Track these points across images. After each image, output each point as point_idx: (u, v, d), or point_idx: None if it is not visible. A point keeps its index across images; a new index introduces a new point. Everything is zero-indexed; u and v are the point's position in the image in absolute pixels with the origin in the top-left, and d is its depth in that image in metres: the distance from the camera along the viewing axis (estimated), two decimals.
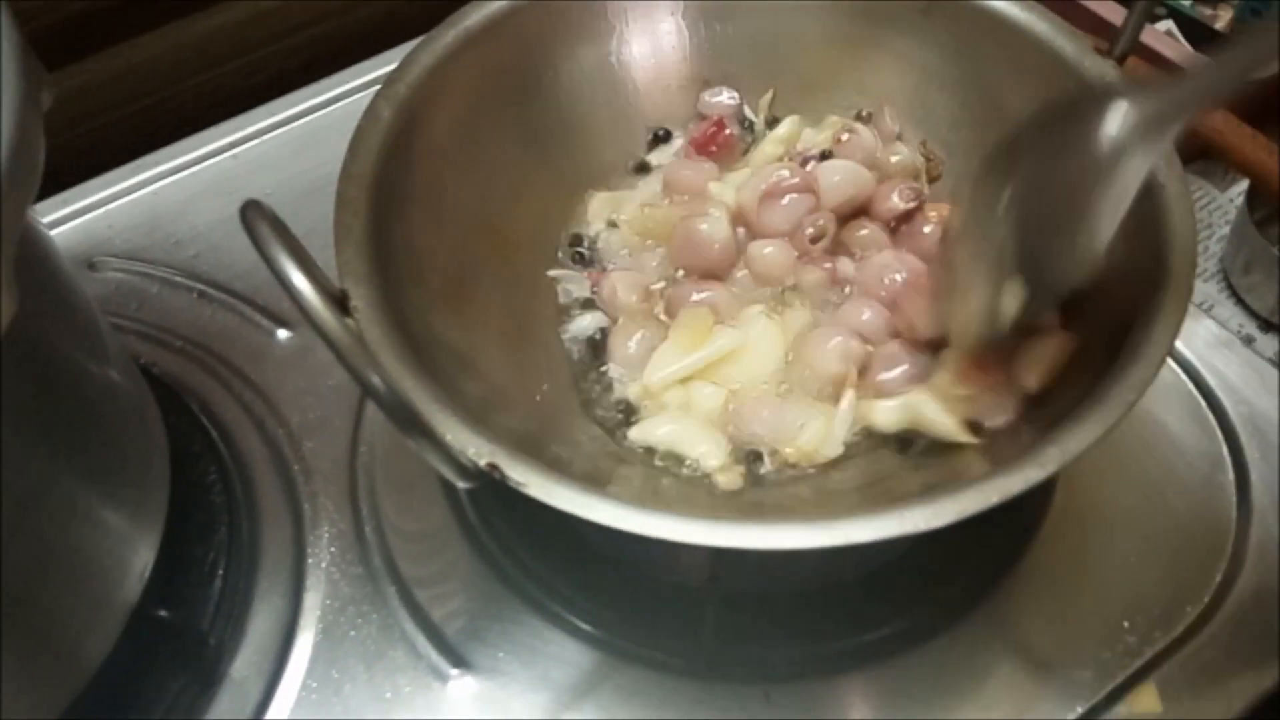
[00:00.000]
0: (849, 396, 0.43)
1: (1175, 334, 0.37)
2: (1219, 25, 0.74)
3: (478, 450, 0.34)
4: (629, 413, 0.45)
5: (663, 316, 0.47)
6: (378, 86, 0.43)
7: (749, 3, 0.51)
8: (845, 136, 0.49)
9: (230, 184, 0.63)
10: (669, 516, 0.34)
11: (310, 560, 0.48)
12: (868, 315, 0.45)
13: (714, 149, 0.51)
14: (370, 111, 0.43)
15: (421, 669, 0.45)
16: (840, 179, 0.48)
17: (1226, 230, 0.65)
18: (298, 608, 0.46)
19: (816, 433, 0.43)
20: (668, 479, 0.42)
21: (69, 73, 0.64)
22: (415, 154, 0.43)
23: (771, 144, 0.51)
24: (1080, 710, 0.43)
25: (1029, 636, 0.46)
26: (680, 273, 0.48)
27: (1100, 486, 0.49)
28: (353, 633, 0.46)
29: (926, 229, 0.47)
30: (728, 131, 0.51)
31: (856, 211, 0.48)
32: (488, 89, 0.47)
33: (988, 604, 0.46)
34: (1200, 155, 0.66)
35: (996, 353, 0.41)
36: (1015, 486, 0.34)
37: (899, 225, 0.48)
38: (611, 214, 0.50)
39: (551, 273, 0.49)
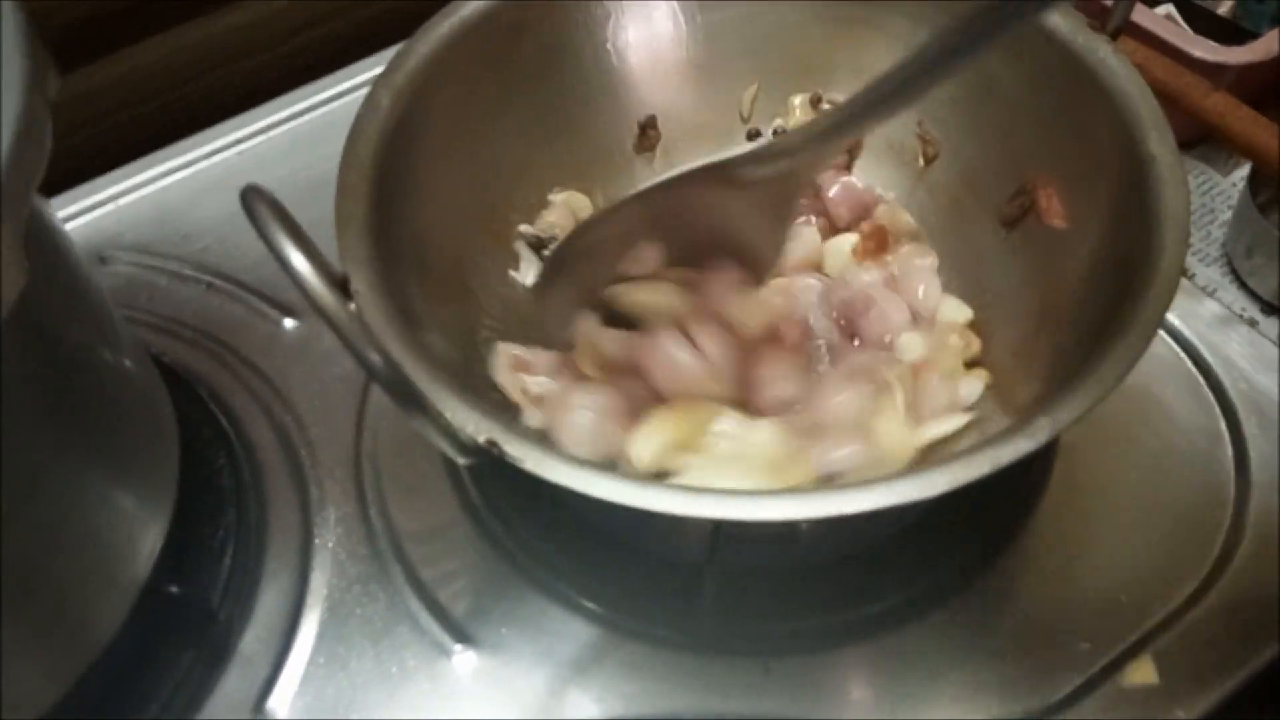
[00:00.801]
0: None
1: (1168, 302, 0.37)
2: (1221, 10, 0.74)
3: (476, 427, 0.35)
4: None
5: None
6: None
7: None
8: None
9: (236, 179, 0.61)
10: (666, 490, 0.34)
11: (317, 541, 0.49)
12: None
13: None
14: (370, 100, 0.43)
15: (426, 645, 0.46)
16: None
17: (1229, 214, 0.65)
18: (305, 587, 0.47)
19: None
20: None
21: (80, 75, 0.65)
22: (414, 141, 0.44)
23: None
24: (1077, 682, 0.44)
25: (1027, 609, 0.46)
26: None
27: (1100, 462, 0.50)
28: (359, 610, 0.47)
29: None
30: None
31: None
32: (485, 77, 0.47)
33: (987, 577, 0.47)
34: (1202, 139, 0.66)
35: None
36: (1006, 456, 0.34)
37: None
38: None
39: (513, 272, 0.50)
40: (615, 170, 0.52)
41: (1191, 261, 0.61)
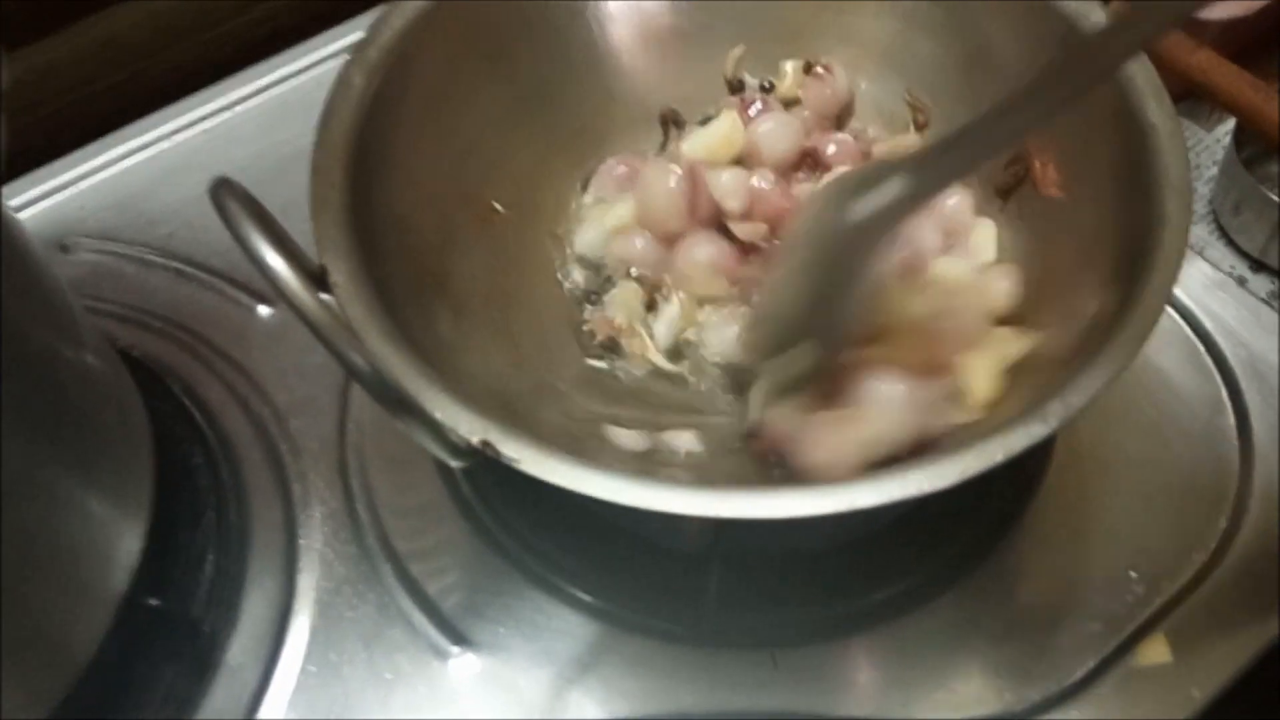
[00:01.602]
0: None
1: (1174, 279, 0.36)
2: None
3: (470, 427, 0.33)
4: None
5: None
6: (348, 54, 0.42)
7: None
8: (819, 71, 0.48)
9: (202, 159, 0.61)
10: (666, 488, 0.33)
11: (302, 541, 0.47)
12: None
13: None
14: (341, 79, 0.41)
15: (421, 648, 0.44)
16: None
17: (1215, 171, 0.64)
18: (292, 590, 0.46)
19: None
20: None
21: (32, 50, 0.63)
22: (391, 121, 0.42)
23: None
24: (1091, 663, 0.43)
25: (1035, 590, 0.45)
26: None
27: (1101, 436, 0.49)
28: (349, 613, 0.45)
29: None
30: None
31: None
32: (462, 51, 0.45)
33: (992, 559, 0.46)
34: (1185, 95, 0.65)
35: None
36: (1019, 443, 0.33)
37: None
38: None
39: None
40: (599, 145, 0.50)
41: None
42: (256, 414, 0.51)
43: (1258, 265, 0.58)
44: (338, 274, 0.36)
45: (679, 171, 0.45)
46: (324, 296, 0.34)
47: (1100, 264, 0.40)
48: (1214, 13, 0.58)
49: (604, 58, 0.49)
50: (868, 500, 0.32)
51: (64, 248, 0.57)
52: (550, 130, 0.49)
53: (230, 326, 0.54)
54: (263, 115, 0.63)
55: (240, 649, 0.44)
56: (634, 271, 0.47)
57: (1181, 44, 0.56)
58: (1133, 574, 0.45)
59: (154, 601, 0.42)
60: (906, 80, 0.50)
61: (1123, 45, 0.32)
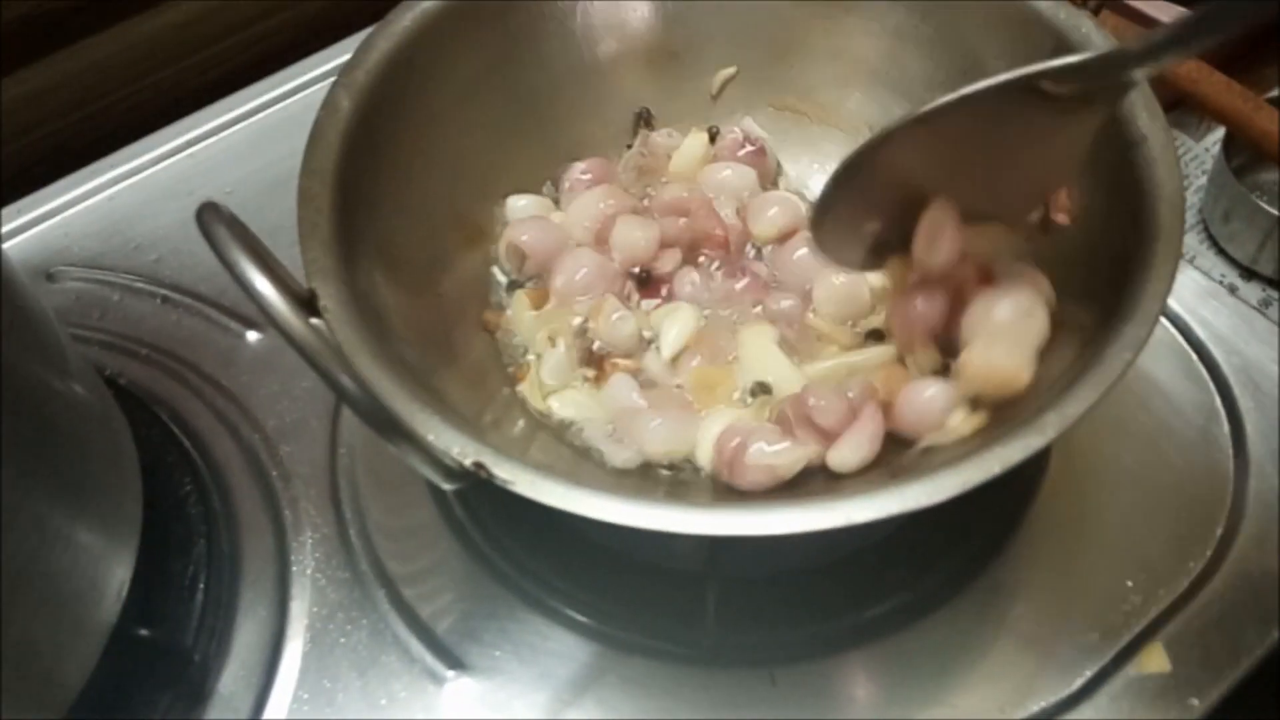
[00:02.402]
0: None
1: (1168, 289, 0.36)
2: None
3: (462, 450, 0.33)
4: None
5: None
6: (333, 78, 0.42)
7: None
8: None
9: (189, 184, 0.61)
10: (661, 507, 0.33)
11: (294, 568, 0.46)
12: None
13: None
14: (328, 102, 0.41)
15: (416, 673, 0.44)
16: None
17: (1204, 180, 0.64)
18: (284, 617, 0.45)
19: None
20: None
21: (16, 79, 0.62)
22: (379, 145, 0.42)
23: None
24: (1089, 673, 0.43)
25: (1033, 602, 0.45)
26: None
27: (1096, 446, 0.49)
28: (343, 639, 0.45)
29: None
30: None
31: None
32: (449, 73, 0.45)
33: (989, 571, 0.46)
34: (1175, 105, 0.65)
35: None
36: (1016, 455, 0.33)
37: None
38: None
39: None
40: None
41: None
42: (246, 440, 0.50)
43: (1248, 273, 0.58)
44: (327, 298, 0.36)
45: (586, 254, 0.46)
46: (314, 321, 0.34)
47: (1093, 275, 0.40)
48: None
49: (592, 77, 0.49)
50: (865, 515, 0.32)
51: (50, 276, 0.57)
52: (537, 149, 0.49)
53: (218, 352, 0.54)
54: (248, 139, 0.63)
55: (232, 678, 0.44)
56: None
57: None
58: (1129, 583, 0.45)
59: (144, 631, 0.42)
60: (896, 96, 0.50)
61: None
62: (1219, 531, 0.46)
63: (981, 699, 0.43)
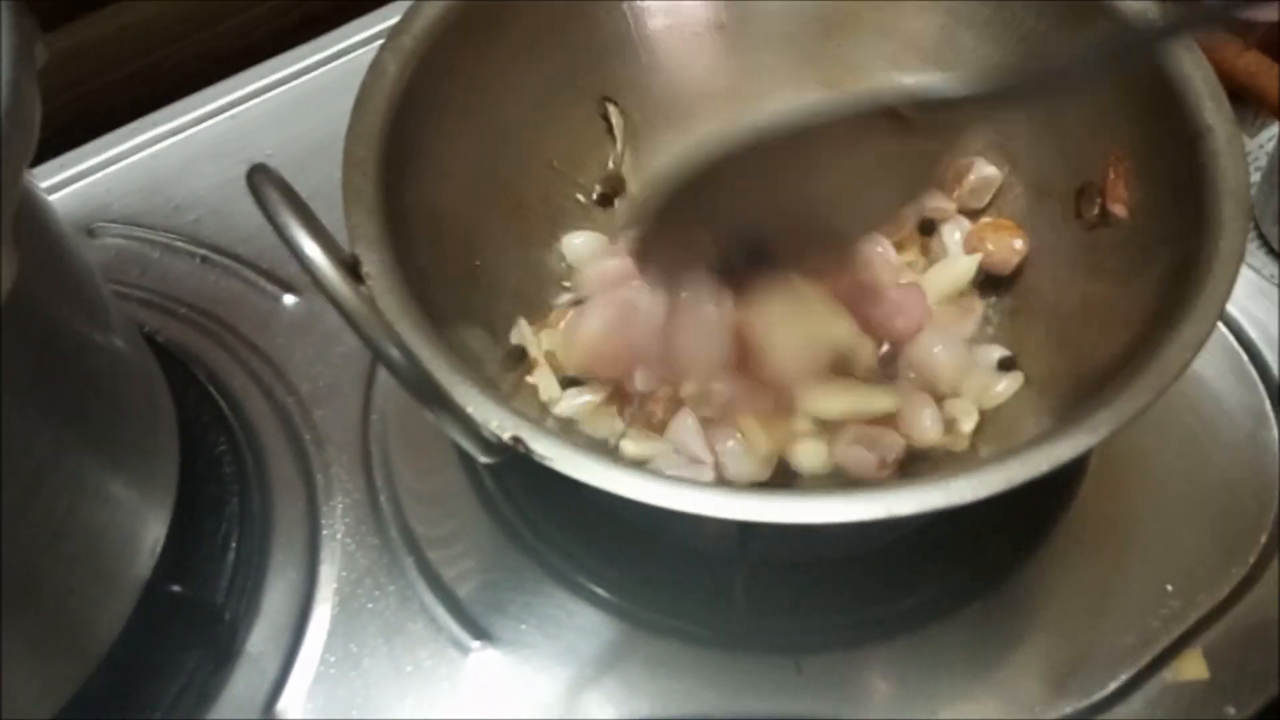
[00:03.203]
0: None
1: (1230, 287, 0.35)
2: None
3: (501, 423, 0.33)
4: None
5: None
6: (378, 42, 0.41)
7: None
8: None
9: (230, 146, 0.61)
10: (699, 489, 0.32)
11: (325, 532, 0.47)
12: None
13: None
14: (375, 66, 0.41)
15: (442, 642, 0.44)
16: None
17: (1258, 178, 0.63)
18: (313, 580, 0.45)
19: None
20: None
21: (62, 34, 0.62)
22: (424, 110, 0.41)
23: None
24: (1123, 677, 0.42)
25: (1068, 601, 0.44)
26: None
27: (1138, 446, 0.48)
28: (370, 605, 0.45)
29: None
30: None
31: None
32: (495, 40, 0.44)
33: (1024, 569, 0.45)
34: (1230, 98, 0.64)
35: None
36: (1065, 454, 0.32)
37: None
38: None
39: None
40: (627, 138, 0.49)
41: None
42: (280, 403, 0.50)
43: None
44: (370, 264, 0.35)
45: None
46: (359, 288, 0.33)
47: (1150, 270, 0.39)
48: (1262, 15, 0.57)
49: (639, 50, 0.49)
50: (908, 508, 0.31)
51: (90, 232, 0.57)
52: (583, 121, 0.48)
53: (255, 314, 0.53)
54: (290, 103, 0.63)
55: (261, 638, 0.44)
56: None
57: (1229, 46, 0.55)
58: (1169, 587, 0.44)
59: (176, 588, 0.42)
60: (949, 78, 0.49)
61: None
62: (1264, 539, 0.45)
63: (1012, 698, 0.42)
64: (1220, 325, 0.51)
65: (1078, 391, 0.39)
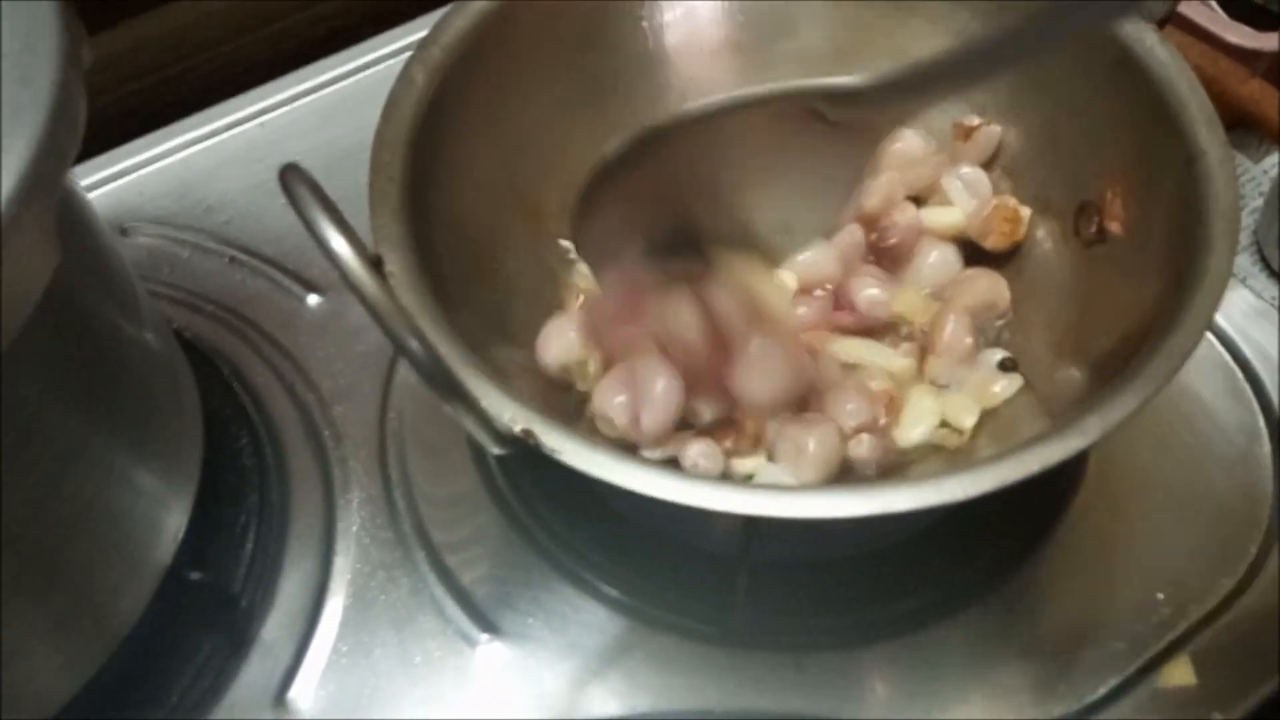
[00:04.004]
0: None
1: (1218, 301, 0.36)
2: None
3: (513, 416, 0.34)
4: None
5: None
6: (404, 55, 0.43)
7: None
8: None
9: (259, 151, 0.63)
10: (705, 484, 0.34)
11: (340, 524, 0.48)
12: None
13: None
14: (404, 76, 0.42)
15: (451, 634, 0.45)
16: None
17: (1260, 202, 0.64)
18: (328, 571, 0.46)
19: None
20: None
21: (99, 40, 0.64)
22: (449, 119, 0.43)
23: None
24: (1113, 682, 0.43)
25: (1061, 608, 0.45)
26: None
27: (1135, 458, 0.49)
28: (382, 597, 0.46)
29: None
30: None
31: None
32: (521, 54, 0.46)
33: (1021, 574, 0.46)
34: (1234, 126, 0.65)
35: None
36: (1055, 455, 0.33)
37: None
38: None
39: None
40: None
41: None
42: (301, 399, 0.52)
43: None
44: (393, 264, 0.37)
45: None
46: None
47: (1145, 285, 0.40)
48: (1266, 43, 0.58)
49: (657, 65, 0.50)
50: (903, 504, 0.33)
51: (124, 231, 0.59)
52: (599, 133, 0.50)
53: (279, 314, 0.55)
54: (318, 111, 0.65)
55: (276, 625, 0.45)
56: None
57: (1233, 73, 0.56)
58: (1160, 596, 0.45)
59: (196, 575, 0.43)
60: (958, 100, 0.50)
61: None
62: (1254, 550, 0.46)
63: (1004, 701, 0.43)
64: (1217, 344, 0.52)
65: (1073, 398, 0.40)
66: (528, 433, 0.34)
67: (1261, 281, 0.59)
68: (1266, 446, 0.49)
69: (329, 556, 0.47)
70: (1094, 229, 0.44)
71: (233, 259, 0.57)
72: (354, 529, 0.48)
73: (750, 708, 0.43)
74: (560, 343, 0.44)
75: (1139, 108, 0.42)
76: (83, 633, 0.39)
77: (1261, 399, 0.51)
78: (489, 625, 0.45)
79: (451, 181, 0.43)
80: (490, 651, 0.45)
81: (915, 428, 0.43)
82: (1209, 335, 0.53)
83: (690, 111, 0.38)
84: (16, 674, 0.36)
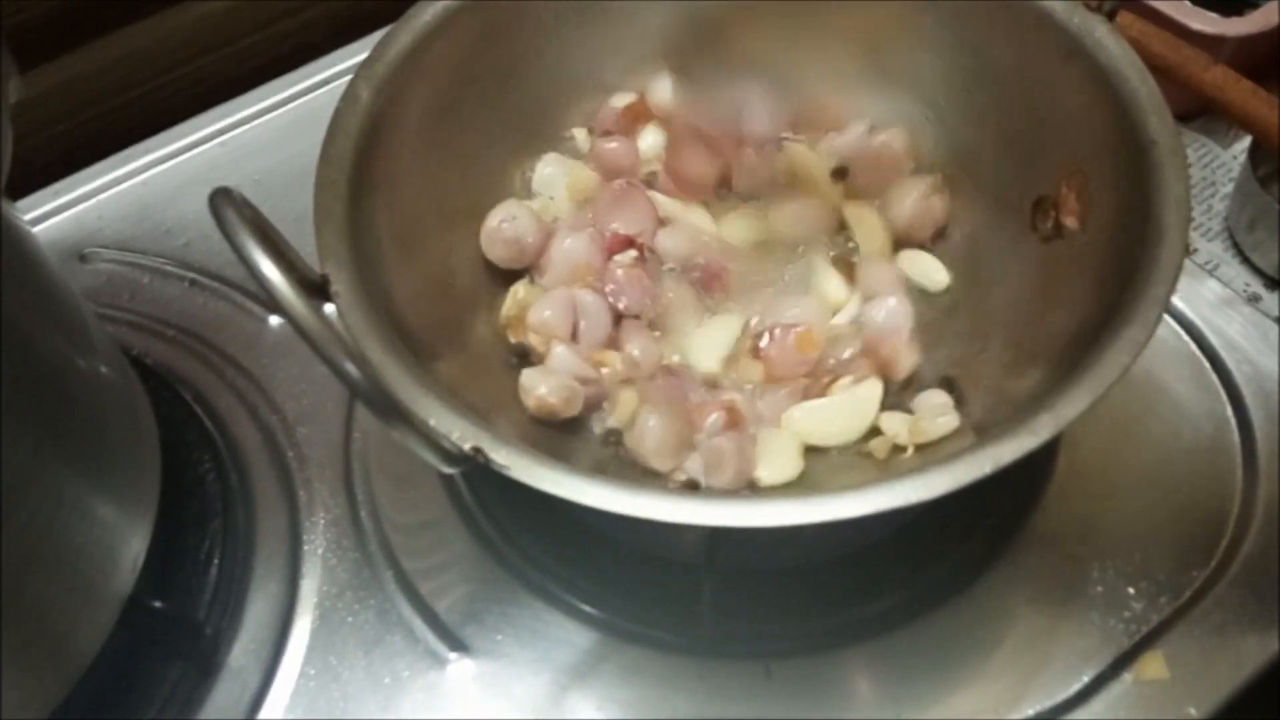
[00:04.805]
0: None
1: (1169, 293, 0.36)
2: None
3: (462, 434, 0.34)
4: None
5: None
6: (356, 70, 0.43)
7: None
8: None
9: (219, 172, 0.62)
10: (657, 496, 0.33)
11: (306, 547, 0.48)
12: None
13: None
14: (349, 93, 0.42)
15: (420, 653, 0.45)
16: None
17: (1230, 188, 0.64)
18: (294, 594, 0.46)
19: None
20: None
21: (57, 66, 0.64)
22: (396, 134, 0.43)
23: None
24: (1086, 678, 0.43)
25: (1033, 605, 0.45)
26: None
27: (1104, 450, 0.49)
28: (350, 619, 0.46)
29: None
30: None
31: None
32: (470, 66, 0.46)
33: (991, 573, 0.46)
34: (1202, 112, 0.65)
35: None
36: (1008, 455, 0.33)
37: None
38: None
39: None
40: None
41: (1193, 236, 0.60)
42: (265, 422, 0.52)
43: (1273, 283, 0.57)
44: (339, 283, 0.37)
45: None
46: (327, 306, 0.35)
47: (1102, 278, 0.40)
48: (1229, 28, 0.58)
49: (600, 86, 0.50)
50: (855, 510, 0.32)
51: (82, 257, 0.58)
52: (546, 147, 0.50)
53: (242, 336, 0.55)
54: (278, 130, 0.64)
55: (242, 650, 0.45)
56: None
57: (1196, 59, 0.55)
58: (1131, 590, 0.45)
59: (158, 603, 0.43)
60: (913, 96, 0.50)
61: None
62: (1224, 542, 0.46)
63: (977, 700, 0.43)
64: (1183, 334, 0.52)
65: (1031, 394, 0.39)
66: (477, 450, 0.34)
67: (1234, 269, 0.58)
68: (1235, 437, 0.49)
69: (295, 579, 0.47)
70: (1050, 224, 0.44)
71: (193, 282, 0.57)
72: (320, 551, 0.48)
73: (722, 716, 0.43)
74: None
75: (1090, 100, 0.42)
76: (41, 666, 0.38)
77: (1229, 387, 0.50)
78: (458, 643, 0.45)
79: (400, 196, 0.43)
80: (460, 669, 0.44)
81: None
82: (1175, 325, 0.53)
83: None
84: None
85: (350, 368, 0.31)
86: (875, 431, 0.43)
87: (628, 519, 0.33)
